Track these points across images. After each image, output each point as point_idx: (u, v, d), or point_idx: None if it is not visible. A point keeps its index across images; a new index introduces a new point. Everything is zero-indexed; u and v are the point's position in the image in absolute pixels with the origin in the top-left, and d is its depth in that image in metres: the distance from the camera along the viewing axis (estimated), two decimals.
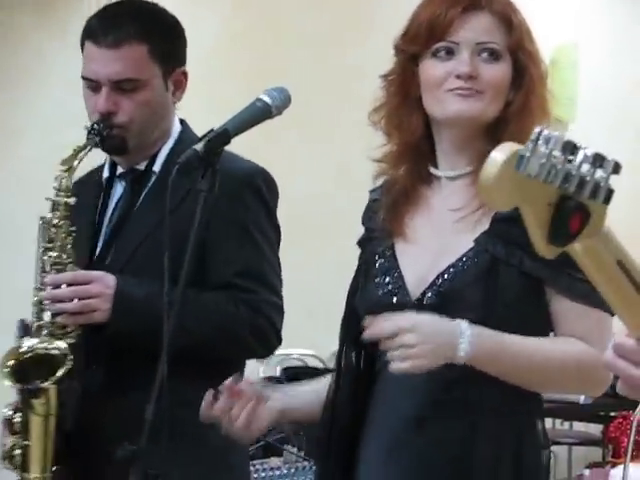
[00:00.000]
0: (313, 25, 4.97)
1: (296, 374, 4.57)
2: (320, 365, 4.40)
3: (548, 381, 1.88)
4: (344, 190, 4.73)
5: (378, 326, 1.76)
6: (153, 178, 2.27)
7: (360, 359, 1.97)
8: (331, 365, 4.64)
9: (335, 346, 2.11)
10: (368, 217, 2.04)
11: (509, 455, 1.85)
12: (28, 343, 2.25)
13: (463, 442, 1.85)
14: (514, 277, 1.84)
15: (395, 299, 1.89)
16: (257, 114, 1.87)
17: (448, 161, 1.92)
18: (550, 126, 1.88)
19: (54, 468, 2.24)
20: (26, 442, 2.22)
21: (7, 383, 2.20)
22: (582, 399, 4.63)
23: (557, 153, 1.09)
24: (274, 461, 3.42)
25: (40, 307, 2.23)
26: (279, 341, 2.25)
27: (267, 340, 2.25)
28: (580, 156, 1.10)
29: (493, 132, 1.88)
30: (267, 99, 1.88)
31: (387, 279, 1.93)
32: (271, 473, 3.30)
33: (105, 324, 2.20)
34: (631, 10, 6.49)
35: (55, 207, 2.22)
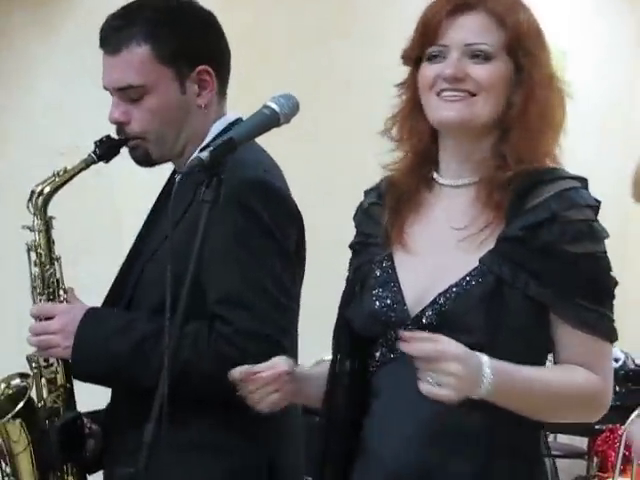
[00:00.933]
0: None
1: None
2: None
3: (556, 412, 1.91)
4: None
5: (418, 345, 1.75)
6: (174, 188, 2.20)
7: (354, 370, 1.96)
8: None
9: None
10: (364, 220, 2.01)
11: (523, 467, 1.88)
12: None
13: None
14: (519, 301, 1.83)
15: (393, 314, 1.88)
16: (265, 122, 1.82)
17: (451, 169, 1.91)
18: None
19: None
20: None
21: None
22: None
23: None
24: None
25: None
26: None
27: None
28: None
29: (498, 141, 1.89)
30: (275, 107, 1.82)
31: (385, 292, 1.92)
32: None
33: (73, 365, 2.18)
34: (619, 19, 6.62)
35: (35, 232, 2.22)
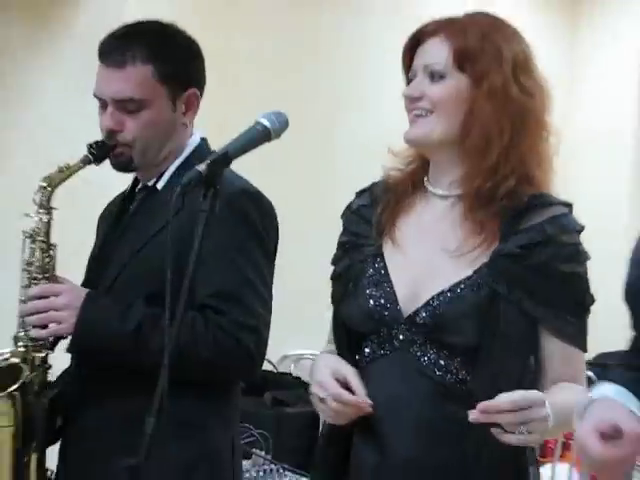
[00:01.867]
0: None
1: None
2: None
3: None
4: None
5: (505, 415, 1.78)
6: (155, 195, 2.29)
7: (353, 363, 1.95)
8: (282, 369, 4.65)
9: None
10: (354, 220, 2.04)
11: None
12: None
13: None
14: (511, 313, 1.86)
15: (387, 313, 1.89)
16: (257, 137, 1.86)
17: (438, 180, 1.95)
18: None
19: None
20: None
21: None
22: None
23: None
24: (243, 464, 3.41)
25: (22, 320, 2.24)
26: (252, 360, 2.18)
27: (234, 360, 2.18)
28: None
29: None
30: (266, 123, 1.86)
31: (379, 292, 1.94)
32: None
33: (72, 342, 2.19)
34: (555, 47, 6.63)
35: (36, 224, 2.24)
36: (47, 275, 2.20)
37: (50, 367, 2.22)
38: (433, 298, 1.86)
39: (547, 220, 1.87)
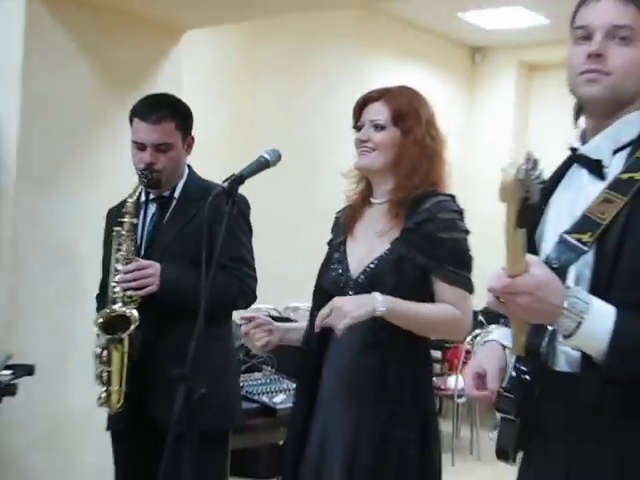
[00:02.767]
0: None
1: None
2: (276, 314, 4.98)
3: (433, 330, 2.02)
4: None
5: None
6: (174, 202, 2.53)
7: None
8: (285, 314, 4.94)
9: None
10: (335, 228, 2.19)
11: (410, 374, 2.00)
12: (114, 307, 2.41)
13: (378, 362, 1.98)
14: (411, 267, 1.96)
15: (343, 279, 2.05)
16: (261, 165, 2.00)
17: (377, 194, 2.08)
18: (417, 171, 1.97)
19: (126, 384, 2.41)
20: (109, 369, 2.41)
21: (98, 333, 2.40)
22: None
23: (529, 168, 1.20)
24: (256, 375, 3.54)
25: (115, 286, 2.42)
26: (254, 298, 2.56)
27: (247, 299, 2.53)
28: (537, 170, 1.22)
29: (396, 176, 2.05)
30: (267, 156, 2.00)
31: (340, 267, 2.07)
32: (253, 382, 3.40)
33: (157, 293, 2.41)
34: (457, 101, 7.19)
35: (123, 224, 2.45)
36: (133, 257, 2.44)
37: (137, 321, 2.40)
38: (368, 265, 2.00)
39: (433, 204, 1.97)
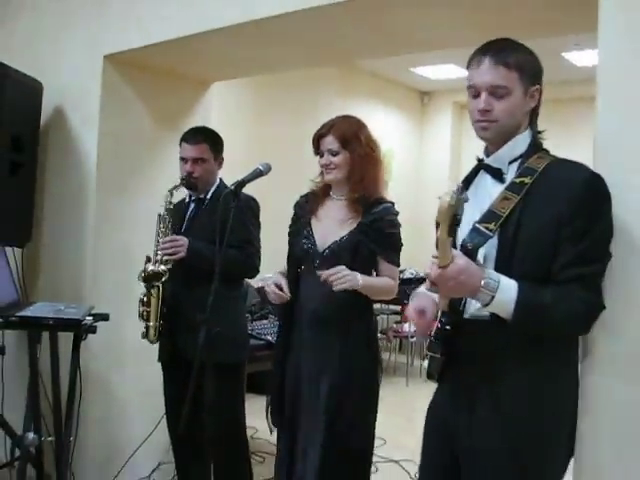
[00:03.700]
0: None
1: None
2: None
3: (380, 295, 2.04)
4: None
5: (334, 274, 1.84)
6: (207, 201, 2.58)
7: (294, 275, 2.05)
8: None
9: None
10: (298, 208, 2.15)
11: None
12: (150, 267, 2.44)
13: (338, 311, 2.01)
14: (366, 251, 1.98)
15: (311, 250, 2.02)
16: (256, 175, 2.03)
17: (336, 192, 2.10)
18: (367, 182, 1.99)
19: (160, 321, 2.44)
20: (148, 309, 2.41)
21: (142, 283, 2.41)
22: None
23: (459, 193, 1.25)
24: (264, 321, 3.55)
25: (156, 252, 2.45)
26: (257, 269, 2.55)
27: (252, 271, 2.53)
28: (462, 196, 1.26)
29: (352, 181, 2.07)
30: (261, 167, 2.04)
31: (308, 241, 2.04)
32: (262, 326, 3.41)
33: (185, 258, 2.43)
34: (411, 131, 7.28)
35: (164, 213, 2.49)
36: (170, 232, 2.47)
37: (167, 274, 2.45)
38: (332, 243, 2.00)
39: (381, 210, 2.01)
